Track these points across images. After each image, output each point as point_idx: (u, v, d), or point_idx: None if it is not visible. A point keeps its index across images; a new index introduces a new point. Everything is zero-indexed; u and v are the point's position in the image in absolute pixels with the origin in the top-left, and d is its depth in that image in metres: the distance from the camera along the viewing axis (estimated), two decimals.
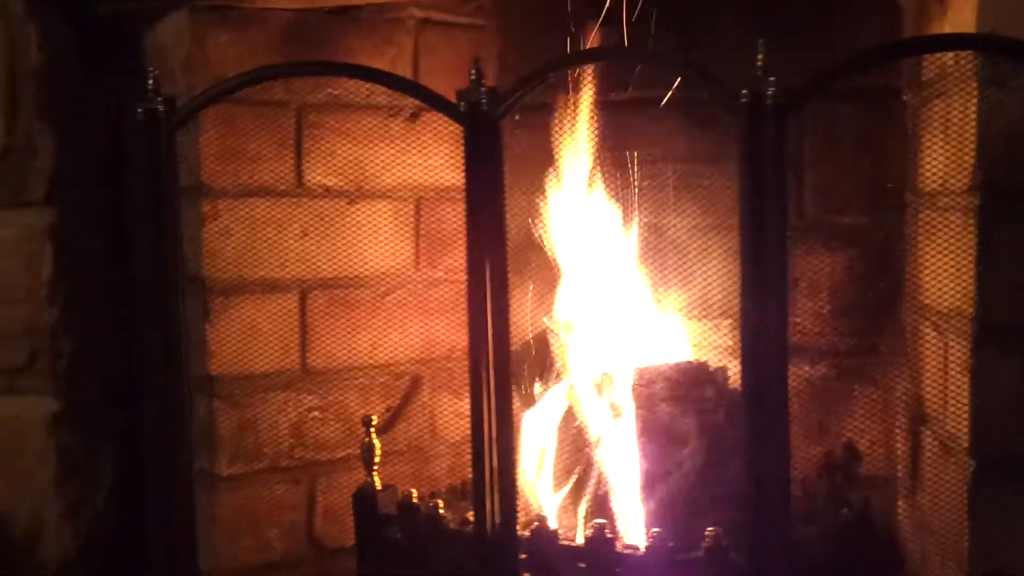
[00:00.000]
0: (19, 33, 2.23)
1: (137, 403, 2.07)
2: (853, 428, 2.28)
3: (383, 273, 2.48)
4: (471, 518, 1.95)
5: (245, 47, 2.30)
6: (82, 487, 2.29)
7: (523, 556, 1.96)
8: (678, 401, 2.13)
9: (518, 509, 1.90)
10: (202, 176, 2.29)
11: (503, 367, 1.85)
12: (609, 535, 1.98)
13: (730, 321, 2.32)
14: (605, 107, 2.28)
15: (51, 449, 2.26)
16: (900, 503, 2.25)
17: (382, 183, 2.47)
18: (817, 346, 2.33)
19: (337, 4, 2.35)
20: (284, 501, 2.40)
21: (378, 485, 2.21)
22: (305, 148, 2.40)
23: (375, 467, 2.21)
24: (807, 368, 2.30)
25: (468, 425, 1.86)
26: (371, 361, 2.47)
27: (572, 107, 2.26)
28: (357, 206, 2.45)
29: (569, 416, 2.26)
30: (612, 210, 2.30)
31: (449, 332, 2.50)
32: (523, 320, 2.26)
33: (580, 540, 2.05)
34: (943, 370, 1.94)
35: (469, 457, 1.88)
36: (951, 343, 1.89)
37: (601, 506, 2.15)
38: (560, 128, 2.27)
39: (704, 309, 2.38)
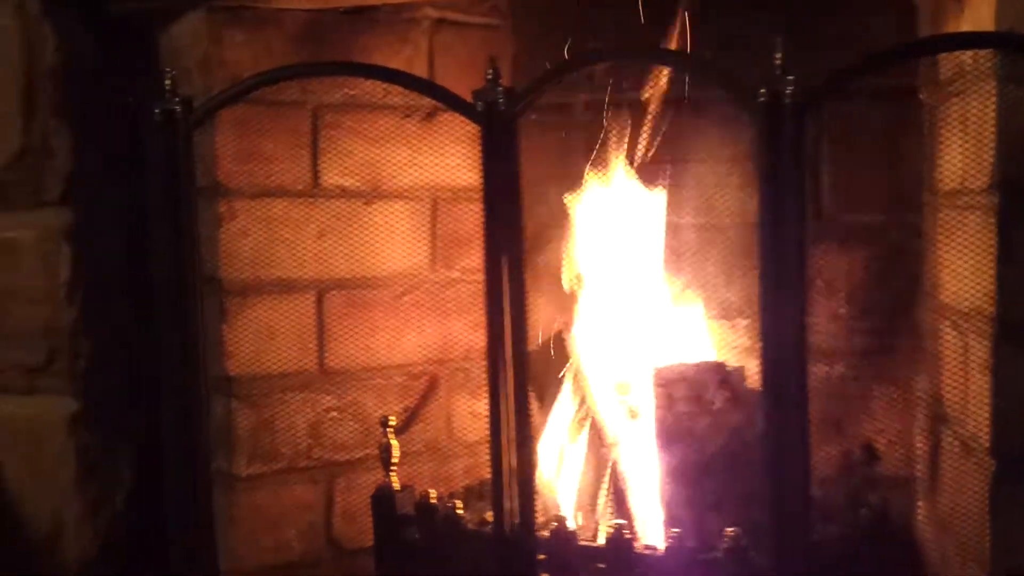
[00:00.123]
0: (35, 33, 2.23)
1: (155, 403, 2.07)
2: (871, 428, 2.28)
3: (400, 273, 2.48)
4: (489, 518, 1.95)
5: (261, 47, 2.30)
6: (101, 487, 2.29)
7: (541, 557, 1.95)
8: (696, 401, 2.12)
9: (536, 509, 1.90)
10: (219, 176, 2.30)
11: (521, 367, 1.85)
12: (628, 535, 1.98)
13: (747, 321, 2.32)
14: (619, 105, 2.28)
15: (70, 449, 2.27)
16: (919, 503, 2.24)
17: (398, 183, 2.47)
18: (835, 345, 2.32)
19: (353, 4, 2.35)
20: (302, 501, 2.41)
21: (396, 485, 2.21)
22: (321, 148, 2.40)
23: (393, 467, 2.21)
24: (825, 368, 2.29)
25: (485, 425, 1.85)
26: (388, 361, 2.47)
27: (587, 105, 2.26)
28: (373, 206, 2.45)
29: (586, 416, 2.26)
30: (629, 209, 2.30)
31: (465, 332, 2.50)
32: (541, 320, 2.26)
33: (599, 541, 2.04)
34: (963, 369, 1.93)
35: (485, 457, 1.87)
36: (971, 342, 1.89)
37: (619, 506, 2.15)
38: (576, 126, 2.27)
39: (721, 309, 2.38)
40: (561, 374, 2.34)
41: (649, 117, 2.29)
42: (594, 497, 2.21)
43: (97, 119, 2.29)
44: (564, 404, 2.32)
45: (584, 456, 2.28)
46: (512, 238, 1.84)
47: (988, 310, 1.79)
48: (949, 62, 1.98)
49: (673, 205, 2.33)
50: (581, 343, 2.32)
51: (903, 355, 2.29)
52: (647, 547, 1.99)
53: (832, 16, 2.24)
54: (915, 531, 2.23)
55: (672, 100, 2.29)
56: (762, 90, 1.61)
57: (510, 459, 1.86)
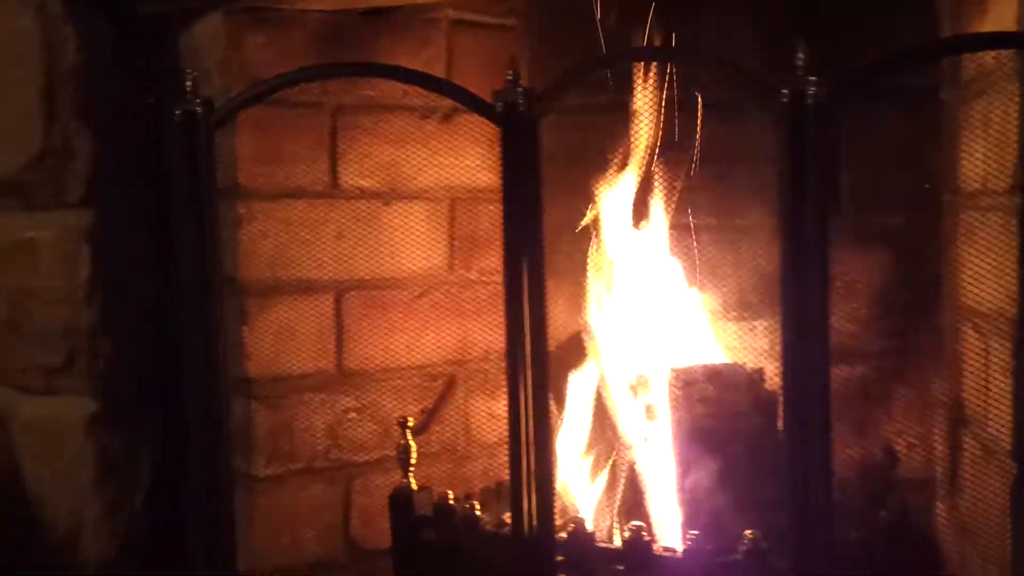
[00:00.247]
0: (56, 34, 2.24)
1: (174, 404, 2.08)
2: (891, 430, 2.27)
3: (418, 274, 2.48)
4: (507, 520, 1.95)
5: (281, 48, 2.30)
6: (120, 487, 2.30)
7: (560, 558, 1.95)
8: (714, 403, 2.12)
9: (554, 511, 1.90)
10: (238, 178, 2.30)
11: (541, 368, 1.85)
12: (647, 537, 1.97)
13: (766, 323, 2.32)
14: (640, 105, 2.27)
15: (90, 449, 2.27)
16: (939, 505, 2.23)
17: (416, 184, 2.47)
18: (854, 347, 2.31)
19: (371, 5, 2.35)
20: (320, 502, 2.41)
21: (414, 486, 2.21)
22: (340, 149, 2.40)
23: (411, 468, 2.21)
24: (844, 369, 2.28)
25: (502, 427, 1.85)
26: (406, 362, 2.47)
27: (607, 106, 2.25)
28: (392, 207, 2.45)
29: (605, 417, 2.26)
30: (648, 210, 2.29)
31: (483, 334, 2.50)
32: (559, 320, 2.26)
33: (617, 542, 2.04)
34: (984, 372, 1.92)
35: (503, 459, 1.87)
36: (992, 344, 1.88)
37: (638, 508, 2.14)
38: (595, 127, 2.27)
39: (739, 310, 2.37)
40: (579, 375, 2.34)
41: (671, 117, 2.29)
42: (612, 498, 2.21)
43: (117, 120, 2.29)
44: (582, 405, 2.32)
45: (602, 457, 2.28)
46: (532, 239, 1.84)
47: (1010, 312, 1.78)
48: (971, 62, 1.98)
49: (692, 205, 2.33)
50: (599, 344, 2.31)
51: (923, 357, 2.28)
52: (666, 549, 1.98)
53: (853, 17, 2.23)
54: (935, 534, 2.22)
55: (694, 100, 2.28)
56: (784, 90, 1.60)
57: (529, 460, 1.86)
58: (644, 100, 2.24)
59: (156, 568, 2.31)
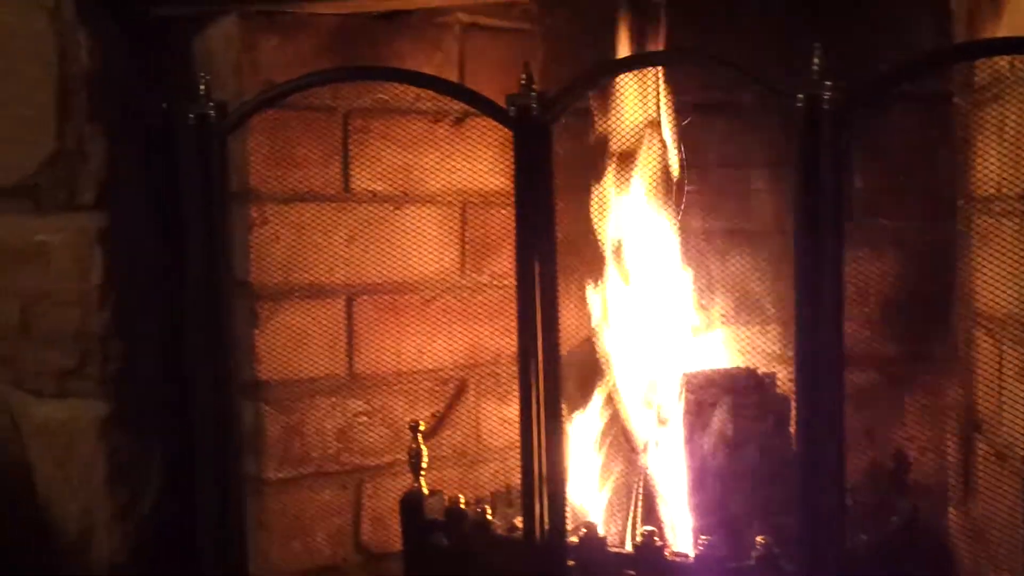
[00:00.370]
0: (70, 38, 2.24)
1: (186, 406, 2.08)
2: (903, 435, 2.26)
3: (429, 278, 2.48)
4: (518, 524, 1.95)
5: (294, 52, 2.30)
6: (132, 490, 2.30)
7: (571, 563, 1.95)
8: (727, 407, 2.12)
9: (566, 515, 1.90)
10: (250, 181, 2.30)
11: (553, 373, 1.85)
12: (658, 542, 1.97)
13: (778, 327, 2.32)
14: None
15: (101, 452, 2.27)
16: (952, 511, 2.22)
17: (428, 188, 2.47)
18: (866, 352, 2.31)
19: (384, 9, 2.35)
20: (331, 506, 2.41)
21: (425, 490, 2.21)
22: (352, 153, 2.40)
23: (422, 472, 2.21)
24: (857, 374, 2.27)
25: (513, 431, 1.86)
26: (417, 366, 2.47)
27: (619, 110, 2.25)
28: (403, 211, 2.45)
29: (617, 422, 2.25)
30: (660, 214, 2.29)
31: (494, 338, 2.50)
32: (571, 325, 2.25)
33: (629, 547, 2.03)
34: (998, 376, 1.92)
35: (514, 463, 1.88)
36: (1006, 349, 1.87)
37: (649, 513, 2.14)
38: (606, 131, 2.27)
39: (752, 315, 2.37)
40: (590, 379, 2.34)
41: (681, 122, 2.28)
42: (624, 503, 2.21)
43: (130, 123, 2.29)
44: (594, 409, 2.31)
45: (614, 462, 2.27)
46: (544, 243, 1.84)
47: (1023, 317, 1.77)
48: (985, 67, 1.97)
49: (705, 209, 2.32)
50: (611, 348, 2.31)
51: (936, 362, 2.28)
52: (677, 554, 1.98)
53: (867, 22, 2.22)
54: (947, 540, 2.21)
55: (706, 104, 2.28)
56: (800, 95, 1.60)
57: (540, 464, 1.86)
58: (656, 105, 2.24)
59: (167, 571, 2.31)
